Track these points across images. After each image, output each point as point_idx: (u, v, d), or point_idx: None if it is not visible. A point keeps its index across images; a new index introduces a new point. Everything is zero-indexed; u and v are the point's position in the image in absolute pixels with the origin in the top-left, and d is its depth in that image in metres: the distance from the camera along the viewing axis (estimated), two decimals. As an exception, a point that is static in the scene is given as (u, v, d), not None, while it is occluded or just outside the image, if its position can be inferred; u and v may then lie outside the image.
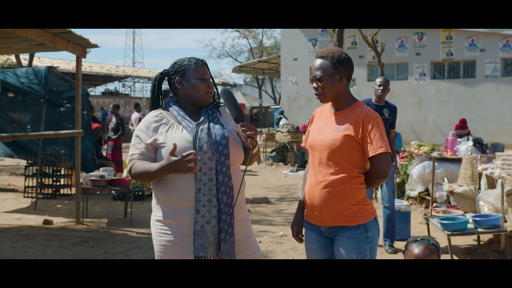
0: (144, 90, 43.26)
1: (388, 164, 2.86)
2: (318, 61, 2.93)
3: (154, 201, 2.85)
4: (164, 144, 2.77)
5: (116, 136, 11.99)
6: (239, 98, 33.64)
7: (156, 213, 2.82)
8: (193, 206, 2.72)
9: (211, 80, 2.90)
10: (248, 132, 2.72)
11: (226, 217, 2.74)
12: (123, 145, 12.28)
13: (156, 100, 2.97)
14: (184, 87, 2.87)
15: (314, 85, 2.95)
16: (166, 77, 2.97)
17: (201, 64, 2.88)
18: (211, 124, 2.83)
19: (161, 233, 2.78)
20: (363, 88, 20.58)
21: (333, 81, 2.90)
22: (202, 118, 2.84)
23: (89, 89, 31.34)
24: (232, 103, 2.82)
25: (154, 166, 2.69)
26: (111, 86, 40.01)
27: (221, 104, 3.00)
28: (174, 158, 2.61)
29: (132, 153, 2.84)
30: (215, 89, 2.96)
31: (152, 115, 2.87)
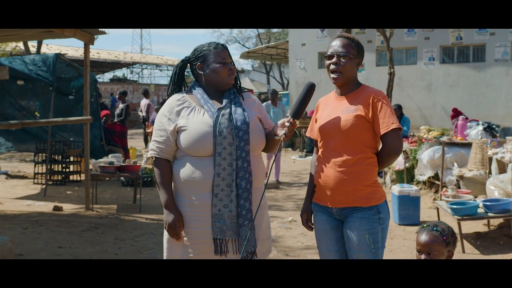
0: (152, 77, 43.20)
1: (400, 141, 2.88)
2: (344, 40, 2.92)
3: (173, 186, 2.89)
4: (185, 127, 2.78)
5: (116, 120, 12.06)
6: (247, 83, 33.37)
7: (176, 197, 2.85)
8: (211, 191, 2.74)
9: (232, 63, 2.90)
10: (286, 129, 2.72)
11: (245, 203, 2.75)
12: (131, 131, 12.30)
13: (177, 87, 2.97)
14: (205, 72, 2.88)
15: (334, 60, 2.89)
16: (188, 64, 2.97)
17: (221, 49, 2.88)
18: (233, 109, 2.82)
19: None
20: (371, 73, 20.43)
21: (353, 64, 2.91)
22: (224, 103, 2.83)
23: (97, 76, 31.39)
24: (303, 98, 2.83)
25: (163, 193, 2.81)
26: (119, 73, 40.02)
27: (245, 90, 3.01)
28: (175, 224, 2.76)
29: (154, 139, 2.86)
30: (237, 74, 2.96)
31: (174, 98, 2.87)
